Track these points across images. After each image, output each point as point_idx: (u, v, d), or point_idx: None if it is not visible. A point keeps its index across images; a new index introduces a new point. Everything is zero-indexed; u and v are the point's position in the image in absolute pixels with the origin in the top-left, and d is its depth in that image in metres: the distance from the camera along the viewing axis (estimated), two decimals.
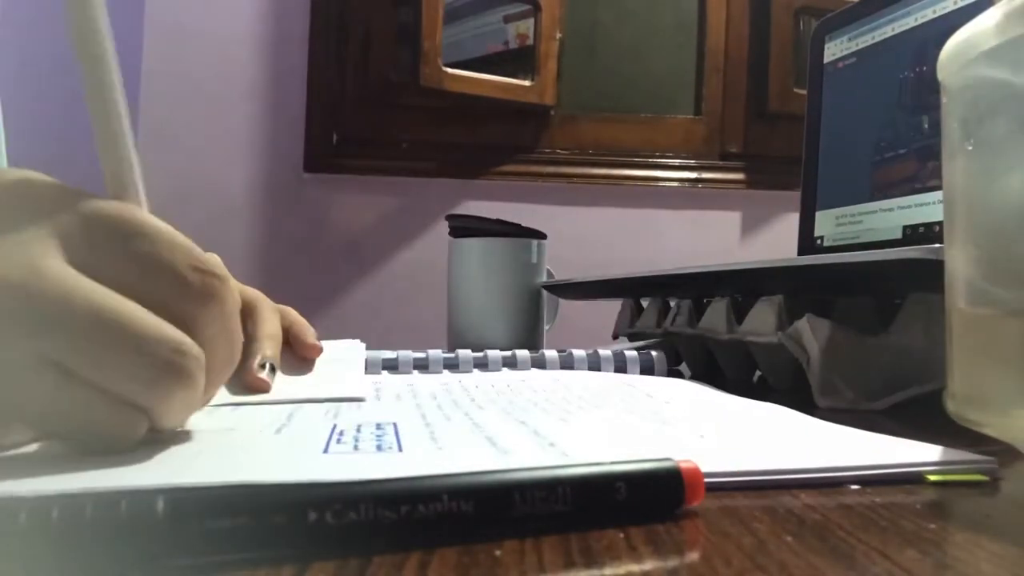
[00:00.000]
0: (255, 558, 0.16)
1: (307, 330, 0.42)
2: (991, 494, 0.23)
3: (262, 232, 1.43)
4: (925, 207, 0.54)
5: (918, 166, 0.55)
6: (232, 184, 1.42)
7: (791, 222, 0.67)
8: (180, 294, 0.23)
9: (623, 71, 1.57)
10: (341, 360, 0.42)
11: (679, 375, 0.56)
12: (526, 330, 0.74)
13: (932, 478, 0.23)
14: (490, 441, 0.25)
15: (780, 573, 0.15)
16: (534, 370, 0.50)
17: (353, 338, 0.48)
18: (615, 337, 0.73)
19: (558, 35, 1.48)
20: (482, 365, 0.51)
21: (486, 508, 0.17)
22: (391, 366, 0.50)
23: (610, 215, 1.48)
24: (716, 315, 0.53)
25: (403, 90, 1.43)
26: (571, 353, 0.51)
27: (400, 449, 0.24)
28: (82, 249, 0.22)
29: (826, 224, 0.64)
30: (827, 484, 0.22)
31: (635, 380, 0.45)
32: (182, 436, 0.25)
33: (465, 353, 0.51)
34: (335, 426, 0.28)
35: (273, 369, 0.36)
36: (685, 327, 0.57)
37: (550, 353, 0.52)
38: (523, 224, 0.76)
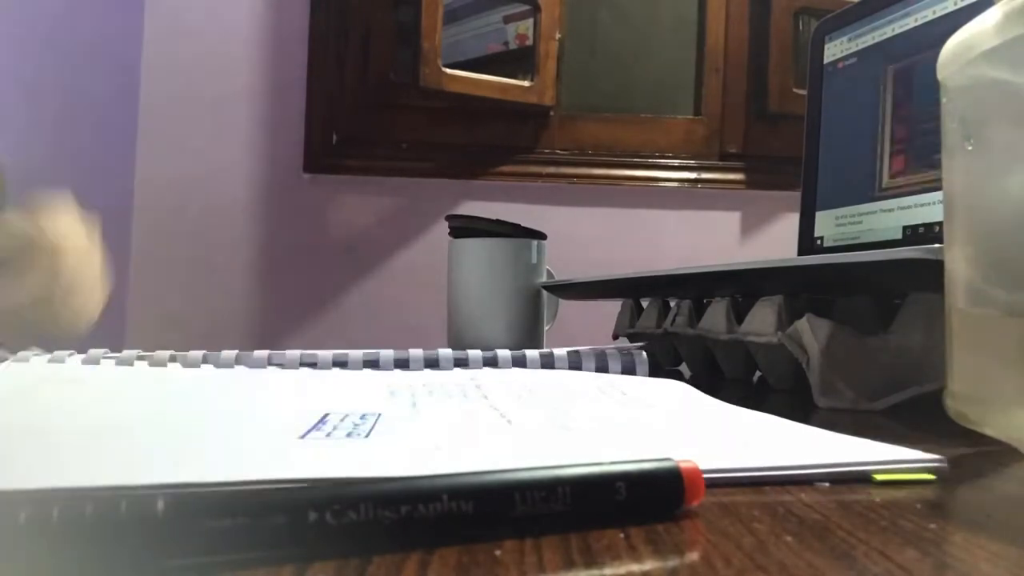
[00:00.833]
0: (255, 558, 0.16)
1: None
2: (991, 494, 0.23)
3: (262, 232, 1.43)
4: (925, 207, 0.54)
5: (918, 166, 0.55)
6: (232, 184, 1.42)
7: (791, 222, 0.67)
8: None
9: (623, 71, 1.57)
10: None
11: (679, 375, 0.56)
12: (526, 330, 0.74)
13: (879, 477, 0.23)
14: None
15: (780, 573, 0.15)
16: (486, 368, 0.47)
17: (353, 338, 0.47)
18: (615, 337, 0.73)
19: (558, 35, 1.48)
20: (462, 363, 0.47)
21: (486, 508, 0.17)
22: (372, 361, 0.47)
23: (610, 215, 1.48)
24: (716, 315, 0.53)
25: (403, 90, 1.43)
26: (552, 353, 0.49)
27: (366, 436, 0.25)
28: None
29: (826, 224, 0.64)
30: (771, 483, 0.22)
31: (614, 380, 0.43)
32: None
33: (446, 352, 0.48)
34: (327, 414, 0.29)
35: None
36: (685, 327, 0.57)
37: (531, 353, 0.48)
38: (523, 224, 0.76)
